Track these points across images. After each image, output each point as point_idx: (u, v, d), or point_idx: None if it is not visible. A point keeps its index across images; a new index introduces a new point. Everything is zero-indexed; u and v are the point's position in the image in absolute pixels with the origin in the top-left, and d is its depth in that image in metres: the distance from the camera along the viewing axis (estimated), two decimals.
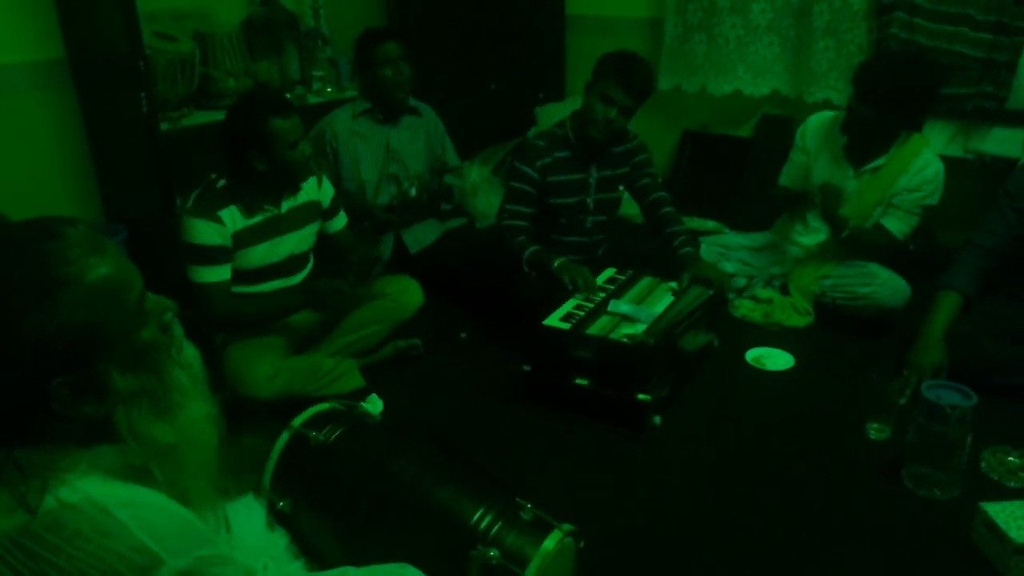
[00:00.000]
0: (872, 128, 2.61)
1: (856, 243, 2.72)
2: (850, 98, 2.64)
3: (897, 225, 2.70)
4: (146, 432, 0.89)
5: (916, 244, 3.23)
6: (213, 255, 2.18)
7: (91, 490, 0.81)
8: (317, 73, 3.38)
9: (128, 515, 0.80)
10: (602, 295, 2.41)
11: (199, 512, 0.93)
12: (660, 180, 2.79)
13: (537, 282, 2.50)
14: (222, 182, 2.23)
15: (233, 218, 2.20)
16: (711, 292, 2.47)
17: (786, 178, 2.93)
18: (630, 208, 3.11)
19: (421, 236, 3.12)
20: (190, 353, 1.00)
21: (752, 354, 2.62)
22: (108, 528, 0.79)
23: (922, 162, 2.65)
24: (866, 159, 2.72)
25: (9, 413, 0.82)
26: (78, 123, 2.91)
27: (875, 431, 2.17)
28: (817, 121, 2.86)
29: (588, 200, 2.70)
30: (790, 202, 2.89)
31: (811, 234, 2.91)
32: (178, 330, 0.98)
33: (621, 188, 2.75)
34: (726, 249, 3.02)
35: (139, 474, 0.89)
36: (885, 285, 2.69)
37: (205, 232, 2.16)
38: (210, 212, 2.16)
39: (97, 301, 0.82)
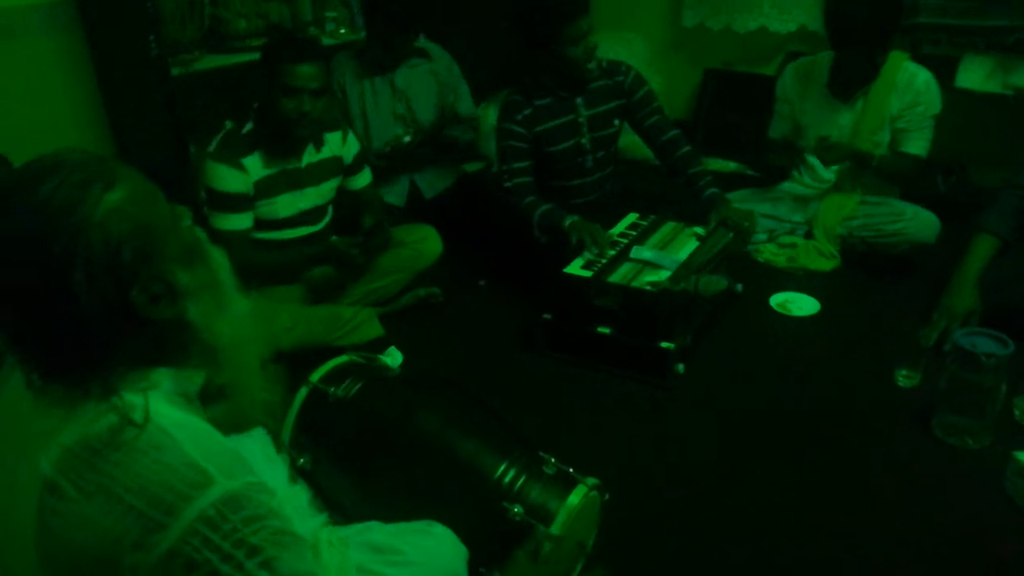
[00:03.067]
0: (862, 59, 2.60)
1: (888, 173, 2.69)
2: (830, 38, 2.61)
3: (917, 144, 2.67)
4: (215, 326, 0.92)
5: (947, 183, 3.14)
6: (235, 203, 2.14)
7: (151, 408, 0.84)
8: (330, 14, 3.28)
9: (183, 435, 0.83)
10: (603, 260, 2.27)
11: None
12: (666, 115, 2.67)
13: (551, 244, 2.42)
14: (248, 126, 2.17)
15: (256, 166, 2.16)
16: (731, 235, 2.40)
17: (775, 131, 2.91)
18: (642, 151, 3.00)
19: (436, 181, 3.05)
20: (217, 253, 1.01)
21: (777, 299, 2.57)
22: (163, 443, 0.82)
23: (908, 75, 2.63)
24: (854, 89, 2.70)
25: (94, 338, 0.83)
26: (88, 67, 2.84)
27: (904, 378, 2.13)
28: (792, 70, 2.87)
29: (583, 140, 2.60)
30: (785, 153, 2.87)
31: (820, 174, 2.87)
32: (201, 233, 0.99)
33: (617, 122, 2.64)
34: (745, 203, 2.93)
35: (189, 402, 0.92)
36: (914, 219, 2.64)
37: (228, 178, 2.12)
38: (234, 158, 2.12)
39: (137, 204, 0.84)
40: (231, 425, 1.17)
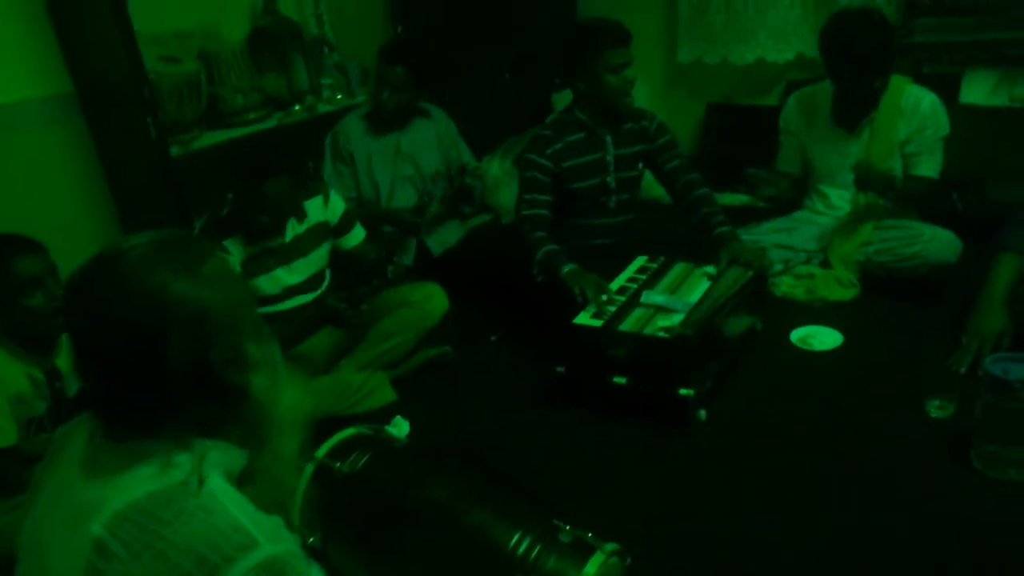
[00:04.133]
0: (865, 89, 2.58)
1: (908, 197, 2.65)
2: (828, 68, 2.62)
3: (929, 167, 2.64)
4: (272, 403, 0.97)
5: (965, 202, 3.07)
6: None
7: (202, 476, 0.88)
8: (326, 81, 3.32)
9: (230, 501, 0.87)
10: (611, 308, 2.19)
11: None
12: (688, 161, 2.66)
13: (547, 285, 2.39)
14: (226, 210, 2.18)
15: (237, 248, 2.16)
16: (751, 273, 2.34)
17: (784, 164, 2.90)
18: (655, 190, 2.98)
19: (444, 238, 3.05)
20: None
21: (797, 334, 2.49)
22: (211, 507, 0.85)
23: (913, 100, 2.61)
24: (858, 118, 2.68)
25: (171, 397, 0.89)
26: (92, 154, 2.88)
27: (937, 408, 2.03)
28: (794, 101, 2.86)
29: (609, 179, 2.59)
30: (796, 186, 2.85)
31: (833, 202, 2.82)
32: None
33: (640, 166, 2.63)
34: (759, 235, 2.89)
35: (230, 480, 0.95)
36: (933, 240, 2.57)
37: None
38: (215, 242, 2.11)
39: (224, 278, 0.93)
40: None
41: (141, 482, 0.87)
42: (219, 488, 0.88)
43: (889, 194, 2.63)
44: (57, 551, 0.89)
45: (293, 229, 2.27)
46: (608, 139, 2.56)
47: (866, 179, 2.57)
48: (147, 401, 0.89)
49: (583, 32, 2.49)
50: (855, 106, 2.65)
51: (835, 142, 2.72)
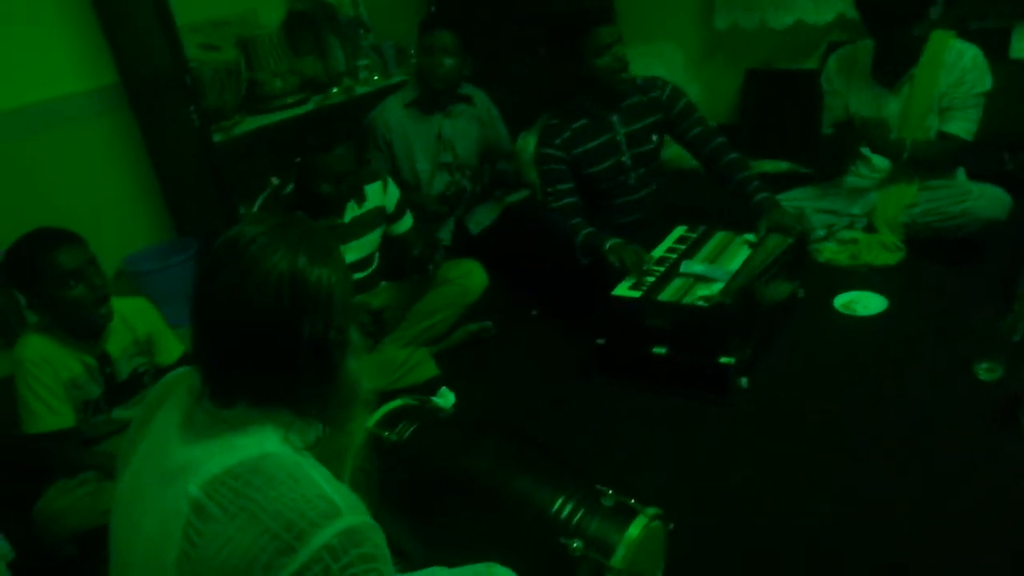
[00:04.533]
0: (897, 40, 2.51)
1: (926, 161, 2.56)
2: (864, 22, 2.55)
3: (960, 125, 2.54)
4: (358, 386, 1.03)
5: (1016, 160, 2.98)
6: None
7: (290, 447, 0.96)
8: (362, 63, 3.35)
9: (316, 472, 0.93)
10: (650, 279, 2.21)
11: None
12: (713, 125, 2.62)
13: (593, 266, 2.39)
14: (290, 187, 2.22)
15: None
16: (791, 240, 2.32)
17: (827, 125, 2.81)
18: (688, 160, 2.94)
19: (481, 217, 3.07)
20: None
21: (841, 300, 2.46)
22: (299, 476, 0.91)
23: (955, 54, 2.52)
24: (899, 74, 2.59)
25: (292, 370, 0.96)
26: (138, 144, 2.97)
27: (985, 372, 2.00)
28: (836, 59, 2.77)
29: (624, 159, 2.57)
30: (842, 141, 2.74)
31: (877, 165, 2.73)
32: None
33: (655, 137, 2.60)
34: (800, 201, 2.84)
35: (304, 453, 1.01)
36: (982, 196, 2.50)
37: None
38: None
39: (341, 267, 1.01)
40: None
41: (237, 450, 0.93)
42: (305, 460, 0.95)
43: (900, 158, 2.56)
44: (152, 508, 0.95)
45: (352, 211, 2.31)
46: (614, 119, 2.54)
47: (871, 135, 2.53)
48: (270, 375, 0.95)
49: (565, 20, 2.46)
50: (895, 60, 2.58)
51: (875, 100, 2.65)
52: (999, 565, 1.49)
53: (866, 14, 2.51)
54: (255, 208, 2.20)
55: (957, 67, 2.51)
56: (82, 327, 1.87)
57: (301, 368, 0.96)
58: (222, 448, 0.93)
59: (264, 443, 0.94)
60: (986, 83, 2.51)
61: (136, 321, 2.01)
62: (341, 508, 0.89)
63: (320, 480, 0.92)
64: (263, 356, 0.95)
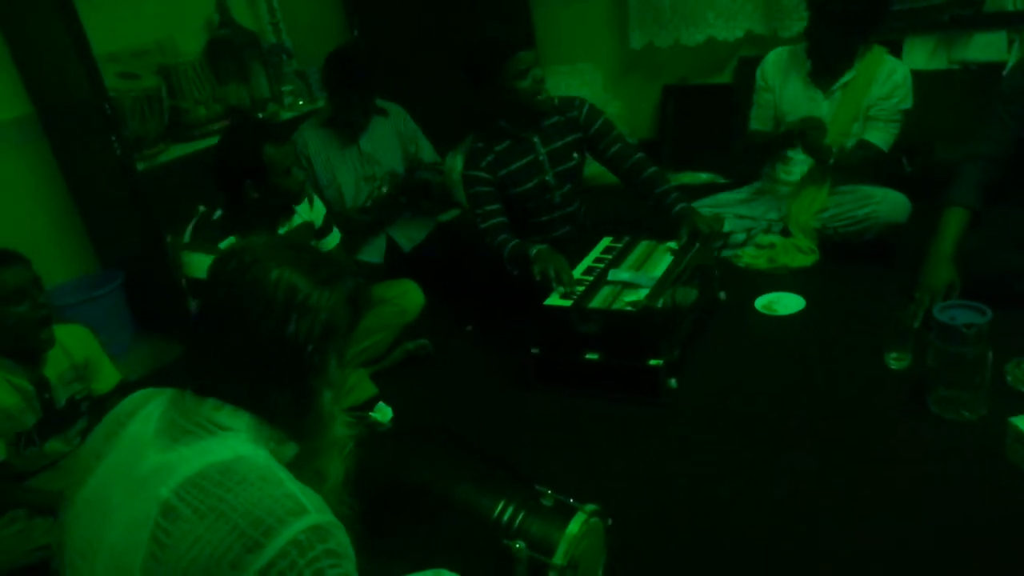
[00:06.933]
0: (836, 46, 2.64)
1: (846, 167, 2.70)
2: (808, 22, 2.67)
3: (880, 136, 2.69)
4: (329, 420, 1.07)
5: (914, 164, 3.18)
6: None
7: (262, 453, 0.99)
8: (286, 88, 3.36)
9: (284, 475, 0.97)
10: (580, 288, 2.27)
11: None
12: (633, 141, 2.71)
13: (524, 277, 2.42)
14: (218, 213, 2.20)
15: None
16: (697, 244, 2.41)
17: (757, 121, 2.92)
18: (610, 176, 3.03)
19: (413, 233, 3.10)
20: None
21: (762, 301, 2.58)
22: (268, 478, 0.95)
23: (888, 69, 2.67)
24: (834, 78, 2.73)
25: (272, 372, 1.00)
26: (57, 175, 2.90)
27: (895, 360, 2.13)
28: (774, 57, 2.88)
29: (547, 177, 2.63)
30: (767, 145, 2.87)
31: (795, 169, 2.87)
32: None
33: (576, 155, 2.66)
34: (719, 207, 2.97)
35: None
36: (883, 201, 2.66)
37: (207, 266, 2.13)
38: (209, 245, 2.13)
39: (342, 297, 1.04)
40: None
41: (211, 454, 0.96)
42: (275, 464, 0.99)
43: (825, 162, 2.68)
44: (118, 519, 0.96)
45: (283, 227, 2.31)
46: (536, 139, 2.59)
47: (810, 136, 2.62)
48: (246, 373, 0.99)
49: (482, 46, 2.46)
50: (834, 65, 2.68)
51: (808, 101, 2.75)
52: (923, 538, 1.59)
53: (822, 15, 2.58)
54: (186, 237, 2.18)
55: (889, 81, 2.64)
56: (22, 350, 1.83)
57: (275, 375, 1.00)
58: (196, 452, 0.96)
59: (238, 447, 0.97)
60: (909, 101, 2.67)
61: (73, 346, 1.97)
62: (308, 507, 0.93)
63: (288, 482, 0.96)
64: (243, 351, 0.99)
